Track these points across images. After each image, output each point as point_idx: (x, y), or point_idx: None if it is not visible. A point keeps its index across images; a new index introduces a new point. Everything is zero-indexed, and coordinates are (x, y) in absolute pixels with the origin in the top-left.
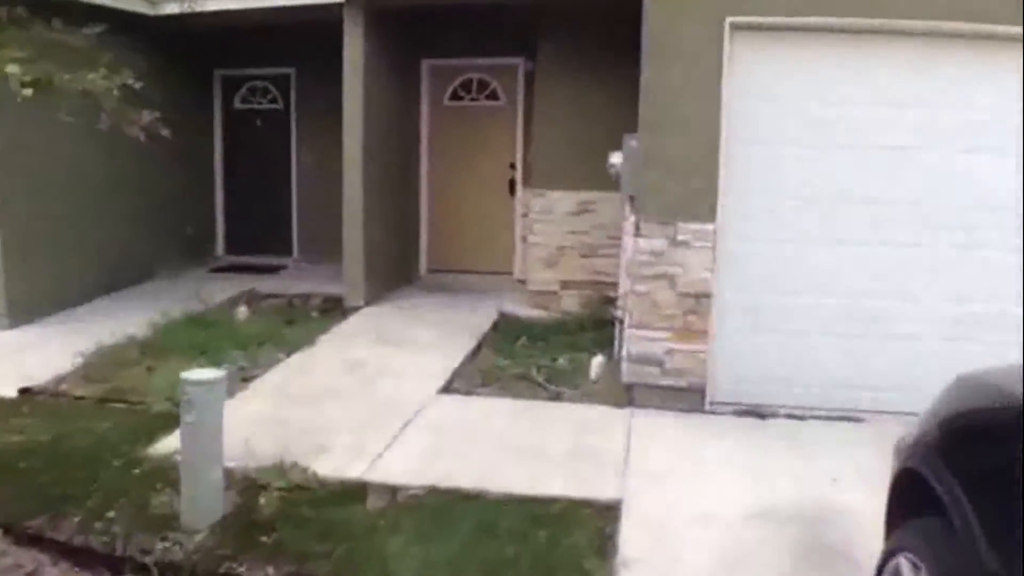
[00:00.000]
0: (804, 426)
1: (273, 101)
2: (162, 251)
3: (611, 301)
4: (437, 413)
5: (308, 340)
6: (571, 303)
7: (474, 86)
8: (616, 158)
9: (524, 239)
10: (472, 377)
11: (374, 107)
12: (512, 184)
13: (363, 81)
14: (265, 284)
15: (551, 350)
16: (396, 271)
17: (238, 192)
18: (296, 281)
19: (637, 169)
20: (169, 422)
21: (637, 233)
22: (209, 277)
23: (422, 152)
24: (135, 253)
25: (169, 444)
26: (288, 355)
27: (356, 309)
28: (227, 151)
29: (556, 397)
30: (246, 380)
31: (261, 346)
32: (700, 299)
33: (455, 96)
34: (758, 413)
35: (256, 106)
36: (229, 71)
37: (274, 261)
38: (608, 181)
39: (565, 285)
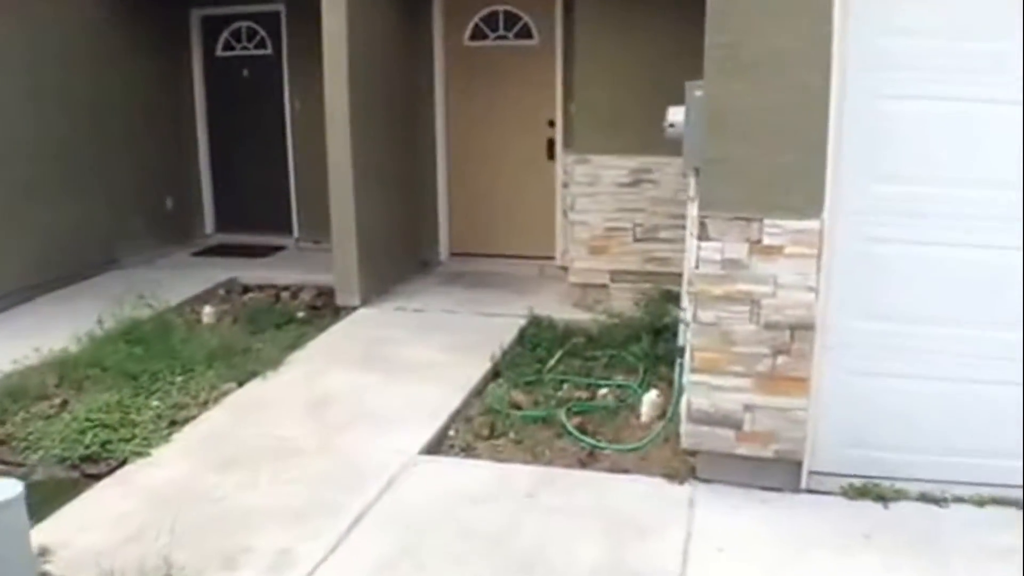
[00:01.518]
0: (943, 516)
1: (261, 45)
2: (132, 232)
3: (674, 298)
4: (413, 490)
5: (275, 359)
6: (623, 300)
7: (500, 20)
8: (676, 115)
9: (566, 215)
10: (476, 423)
11: (366, 47)
12: (551, 146)
13: (348, 12)
14: (252, 271)
15: (592, 372)
16: (406, 258)
17: (227, 157)
18: (290, 267)
19: (703, 132)
20: (48, 498)
21: (702, 234)
22: (189, 263)
23: (437, 106)
24: (94, 236)
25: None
26: (242, 383)
27: (350, 310)
28: (211, 108)
29: (590, 457)
30: (175, 424)
31: (211, 368)
32: (797, 332)
33: (477, 34)
34: (878, 493)
35: (242, 52)
36: (209, 10)
37: (272, 241)
38: (671, 144)
39: (616, 277)
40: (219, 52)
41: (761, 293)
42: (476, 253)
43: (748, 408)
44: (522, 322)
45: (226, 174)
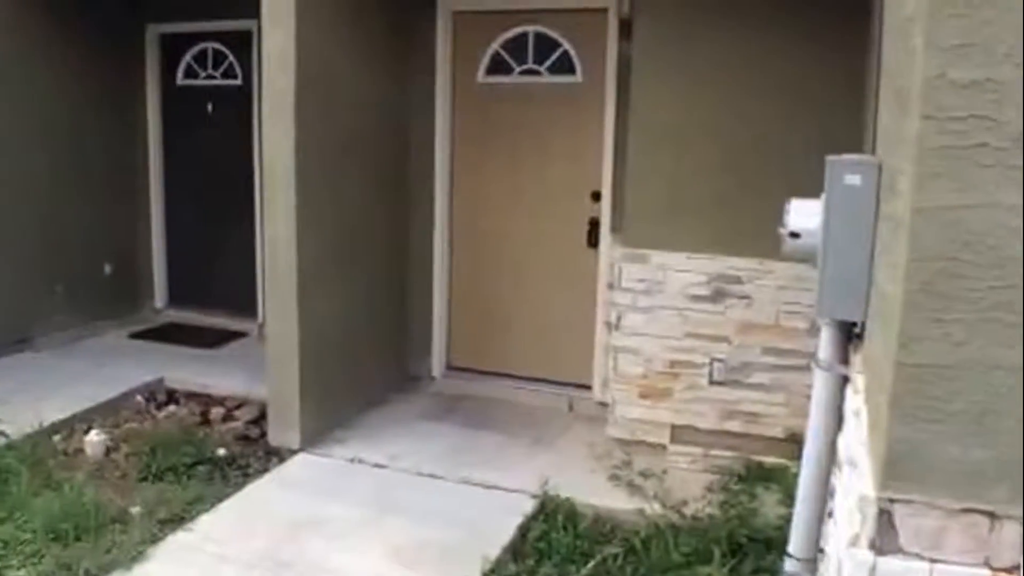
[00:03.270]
0: None
1: (230, 74)
2: (54, 304)
3: (769, 476)
4: None
5: (134, 550)
6: (688, 475)
7: (530, 47)
8: (806, 215)
9: (611, 330)
10: None
11: (328, 78)
12: (595, 228)
13: (299, 27)
14: (189, 370)
15: None
16: (381, 373)
17: (186, 215)
18: (239, 367)
19: (866, 258)
20: None
21: (882, 538)
22: (119, 349)
23: (437, 165)
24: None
25: None
26: None
27: (285, 455)
28: (168, 150)
29: None
30: None
31: (27, 567)
32: None
33: (497, 66)
34: None
35: (207, 82)
36: (168, 26)
37: (232, 324)
38: (773, 242)
39: (679, 435)
40: (180, 80)
41: None
42: (482, 370)
43: None
44: (528, 507)
45: (183, 236)
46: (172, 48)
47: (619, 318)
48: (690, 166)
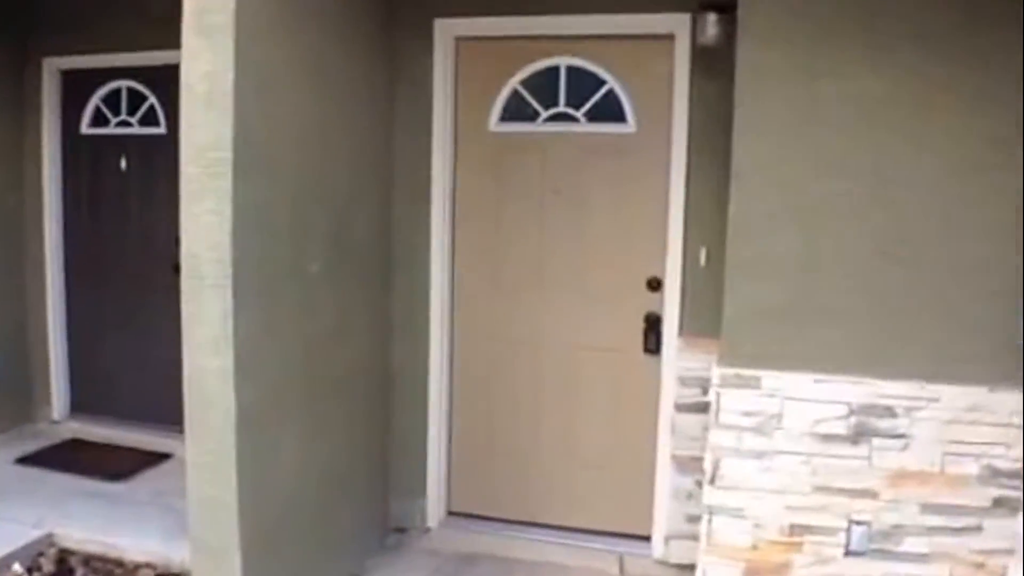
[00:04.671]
0: None
1: (151, 120)
2: None
3: None
4: None
5: None
6: None
7: (562, 84)
8: None
9: (681, 465)
10: None
11: (284, 129)
12: (653, 328)
13: (240, 49)
14: (91, 518)
15: None
16: (354, 532)
17: (91, 304)
18: (158, 511)
19: None
20: None
21: None
22: (2, 481)
23: (434, 243)
24: None
25: None
26: None
27: None
28: (70, 220)
29: None
30: None
31: None
32: None
33: (516, 109)
34: None
35: (120, 130)
36: (72, 61)
37: (151, 441)
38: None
39: None
40: (85, 128)
41: None
42: (495, 517)
43: None
44: None
45: (89, 328)
46: (76, 88)
47: (716, 466)
48: (822, 252)
